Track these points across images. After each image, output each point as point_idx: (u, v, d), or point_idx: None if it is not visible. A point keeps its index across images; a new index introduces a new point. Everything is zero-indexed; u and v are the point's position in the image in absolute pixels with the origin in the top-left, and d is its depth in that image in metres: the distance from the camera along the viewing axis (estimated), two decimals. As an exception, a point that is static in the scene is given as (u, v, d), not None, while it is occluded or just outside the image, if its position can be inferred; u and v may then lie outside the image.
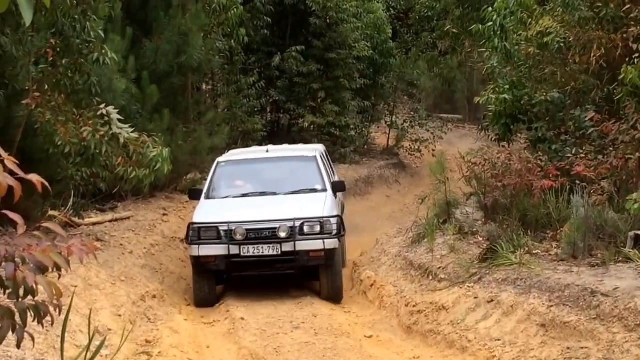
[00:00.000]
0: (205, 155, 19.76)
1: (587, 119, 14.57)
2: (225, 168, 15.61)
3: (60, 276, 4.80)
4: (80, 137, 12.82)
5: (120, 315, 12.16)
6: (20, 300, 4.50)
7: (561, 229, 12.93)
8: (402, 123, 30.23)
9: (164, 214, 17.36)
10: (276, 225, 13.62)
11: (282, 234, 13.56)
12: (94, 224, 15.71)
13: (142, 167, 13.14)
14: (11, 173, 4.06)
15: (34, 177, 4.16)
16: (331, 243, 13.75)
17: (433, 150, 27.86)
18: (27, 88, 12.88)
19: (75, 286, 12.25)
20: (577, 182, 13.50)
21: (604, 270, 10.74)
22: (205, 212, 14.20)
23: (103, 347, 10.40)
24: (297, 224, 13.63)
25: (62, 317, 5.59)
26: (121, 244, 14.83)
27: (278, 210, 14.04)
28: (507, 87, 16.86)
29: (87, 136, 12.73)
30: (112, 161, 13.31)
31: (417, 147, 29.19)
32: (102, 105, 13.01)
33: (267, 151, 16.47)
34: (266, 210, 14.12)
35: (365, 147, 28.74)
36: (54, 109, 12.90)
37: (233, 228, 13.51)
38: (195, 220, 13.88)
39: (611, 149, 13.74)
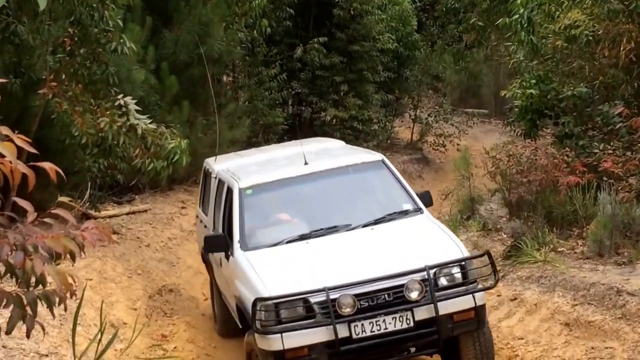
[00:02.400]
0: (226, 148, 19.47)
1: (615, 114, 14.34)
2: (255, 197, 10.35)
3: (74, 263, 4.73)
4: (97, 128, 12.66)
5: (135, 309, 12.06)
6: (30, 289, 4.49)
7: (587, 227, 12.77)
8: (426, 117, 29.94)
9: (182, 207, 17.18)
10: (400, 281, 8.68)
11: (413, 294, 8.64)
12: (110, 216, 15.55)
13: (160, 159, 12.94)
14: (26, 162, 4.05)
15: (48, 165, 4.22)
16: (481, 296, 9.04)
17: (458, 145, 27.58)
18: (44, 77, 12.73)
19: (90, 279, 12.14)
20: (605, 178, 13.32)
21: (631, 269, 10.66)
22: (272, 275, 9.06)
23: (118, 340, 10.31)
24: (431, 274, 8.77)
25: (76, 309, 5.45)
26: (138, 237, 14.68)
27: (386, 256, 9.22)
28: (534, 81, 16.59)
29: (105, 127, 12.55)
30: (129, 152, 13.12)
31: (441, 142, 28.91)
32: (120, 96, 12.81)
33: (306, 163, 10.67)
34: (366, 259, 9.20)
35: (389, 141, 28.48)
36: (71, 99, 12.74)
37: (335, 296, 8.51)
38: (264, 292, 8.68)
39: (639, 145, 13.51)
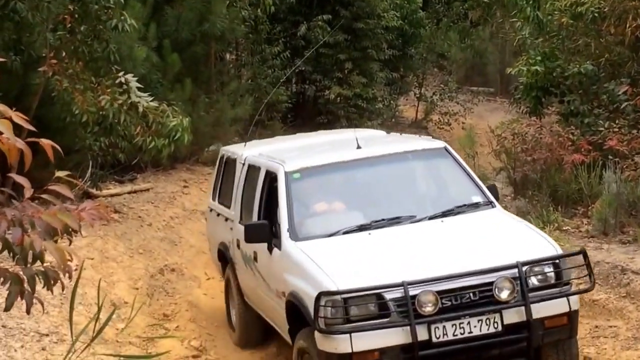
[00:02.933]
0: (228, 126, 19.43)
1: (621, 92, 14.22)
2: (304, 182, 9.31)
3: (71, 241, 4.67)
4: (98, 106, 12.60)
5: (137, 289, 12.02)
6: (28, 266, 4.46)
7: (592, 205, 12.74)
8: (431, 95, 29.81)
9: (185, 186, 17.08)
10: (489, 278, 7.65)
11: (504, 294, 7.62)
12: (112, 195, 15.47)
13: (161, 137, 12.85)
14: (26, 140, 3.99)
15: (45, 142, 4.16)
16: (576, 300, 8.03)
17: (463, 123, 27.48)
18: (44, 55, 12.65)
19: (92, 258, 12.10)
20: (610, 157, 13.25)
21: (635, 248, 10.62)
22: (338, 267, 7.98)
23: (119, 320, 10.26)
24: (524, 272, 7.74)
25: (77, 288, 5.39)
26: (140, 216, 14.60)
27: (468, 251, 8.20)
28: (539, 58, 16.49)
29: (105, 105, 12.48)
30: (130, 130, 13.04)
31: (446, 120, 28.77)
32: (121, 74, 12.72)
33: (359, 147, 9.60)
34: (446, 253, 8.21)
35: (393, 120, 28.31)
36: (71, 76, 12.67)
37: (415, 293, 7.47)
38: (330, 286, 7.59)
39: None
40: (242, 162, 10.70)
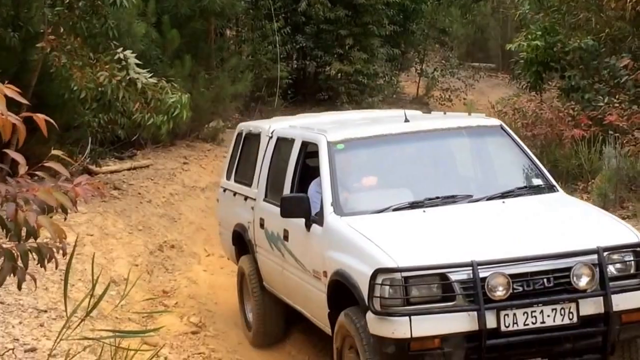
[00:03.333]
0: (228, 102, 19.37)
1: (621, 66, 14.17)
2: (348, 154, 8.63)
3: (66, 218, 4.73)
4: (96, 82, 12.51)
5: (136, 265, 12.02)
6: (22, 242, 4.44)
7: (592, 180, 12.71)
8: (432, 71, 29.73)
9: (185, 163, 17.04)
10: (566, 263, 6.96)
11: (582, 281, 6.92)
12: (112, 172, 15.45)
13: (160, 114, 12.77)
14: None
15: (39, 116, 4.14)
16: None
17: (464, 99, 27.42)
18: (42, 31, 12.61)
19: (91, 235, 12.08)
20: (610, 132, 13.21)
21: (635, 222, 10.62)
22: (396, 243, 7.29)
23: (118, 296, 10.25)
24: (604, 258, 7.01)
25: (78, 264, 5.39)
26: (139, 193, 14.59)
27: (541, 232, 7.50)
28: (540, 33, 16.44)
29: (104, 81, 12.39)
30: (129, 107, 12.97)
31: (447, 97, 28.72)
32: (120, 50, 12.63)
33: (407, 120, 8.98)
34: (516, 234, 7.50)
35: (394, 96, 28.24)
36: (69, 52, 12.59)
37: (484, 275, 6.78)
38: (388, 262, 6.92)
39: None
40: (269, 135, 10.03)
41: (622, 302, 6.94)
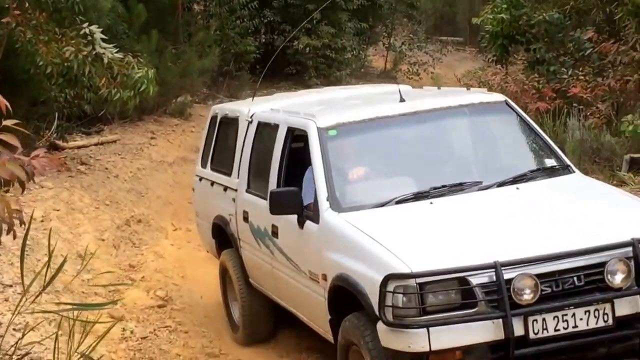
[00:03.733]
0: (196, 77, 19.34)
1: (586, 39, 14.26)
2: (342, 141, 7.79)
3: (23, 190, 4.67)
4: (62, 57, 12.46)
5: (103, 240, 12.01)
6: None
7: (556, 153, 12.75)
8: (400, 45, 29.79)
9: (152, 138, 17.02)
10: (599, 258, 6.23)
11: (617, 278, 6.20)
12: (79, 147, 15.42)
13: (127, 89, 12.77)
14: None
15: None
16: None
17: (432, 73, 27.51)
18: (7, 6, 12.48)
19: (58, 210, 12.06)
20: (574, 104, 13.29)
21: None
22: (407, 244, 6.52)
23: (85, 271, 10.27)
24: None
25: (24, 237, 5.40)
26: (106, 168, 14.58)
27: (565, 224, 6.73)
28: (505, 6, 16.44)
29: (70, 56, 12.36)
30: (95, 82, 12.95)
31: (415, 70, 28.81)
32: (86, 25, 12.59)
33: (402, 100, 8.04)
34: (538, 227, 6.68)
35: (362, 70, 28.30)
36: (35, 27, 12.51)
37: (509, 276, 6.06)
38: (400, 267, 6.16)
39: (610, 70, 13.48)
40: (249, 119, 9.19)
41: None
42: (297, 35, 24.37)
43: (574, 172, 7.73)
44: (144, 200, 14.16)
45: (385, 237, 6.57)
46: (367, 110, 8.01)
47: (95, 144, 15.75)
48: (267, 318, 9.41)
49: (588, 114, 12.88)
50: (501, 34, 16.41)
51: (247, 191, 8.93)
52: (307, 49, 24.48)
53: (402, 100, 8.00)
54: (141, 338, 9.53)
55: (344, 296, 6.74)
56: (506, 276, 6.00)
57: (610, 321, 6.14)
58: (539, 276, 6.06)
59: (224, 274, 9.86)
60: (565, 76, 13.95)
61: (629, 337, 6.27)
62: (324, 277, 7.09)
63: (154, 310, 10.32)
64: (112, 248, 11.87)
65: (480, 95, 8.41)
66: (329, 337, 7.35)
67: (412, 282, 6.02)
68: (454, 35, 35.25)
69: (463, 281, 6.04)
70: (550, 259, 6.14)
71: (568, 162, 7.84)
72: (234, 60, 22.47)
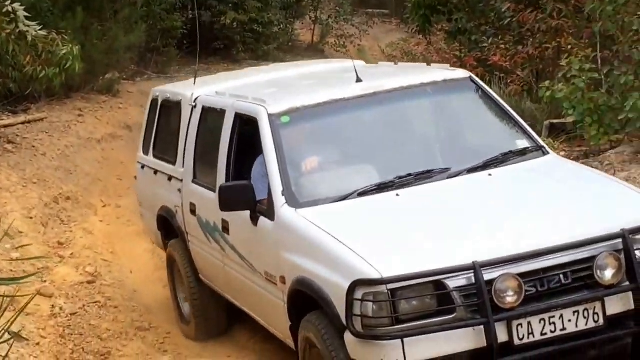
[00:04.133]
0: (123, 54, 19.24)
1: (505, 8, 14.49)
2: (295, 128, 7.18)
3: None
4: (-15, 36, 12.38)
5: (31, 218, 12.00)
6: None
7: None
8: (326, 18, 29.86)
9: (80, 115, 16.90)
10: (587, 253, 5.74)
11: (608, 274, 5.71)
12: (5, 126, 15.27)
13: (52, 66, 12.73)
14: None
15: None
16: None
17: (358, 45, 27.67)
18: None
19: (-17, 190, 12.04)
20: (496, 72, 13.52)
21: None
22: (373, 246, 5.93)
23: (13, 249, 10.30)
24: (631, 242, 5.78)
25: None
26: (33, 146, 14.50)
27: (545, 215, 6.21)
28: (427, -23, 16.64)
29: (-8, 35, 12.29)
30: (20, 60, 12.89)
31: (342, 43, 28.91)
32: (8, 2, 12.50)
33: (359, 80, 7.44)
34: (516, 220, 6.18)
35: (290, 44, 28.33)
36: (-45, 6, 12.41)
37: (490, 277, 5.56)
38: (370, 272, 5.61)
39: (529, 38, 13.75)
40: (192, 104, 8.61)
41: None
42: (224, 10, 24.43)
43: (548, 153, 7.20)
44: (73, 178, 14.13)
45: (350, 237, 6.01)
46: (323, 93, 7.38)
47: (22, 123, 15.61)
48: (219, 313, 8.91)
49: (509, 81, 13.13)
50: (423, 5, 16.58)
51: (193, 182, 8.42)
52: (235, 23, 24.48)
53: (359, 80, 7.44)
54: (70, 314, 9.59)
55: (306, 301, 6.19)
56: (486, 277, 5.48)
57: (601, 321, 5.65)
58: (522, 275, 5.55)
59: (171, 266, 9.40)
60: (486, 45, 14.18)
61: (621, 337, 5.80)
62: (283, 280, 6.55)
63: (83, 287, 10.36)
64: (40, 226, 11.87)
65: (443, 72, 7.77)
66: (289, 342, 6.83)
67: (383, 288, 5.48)
68: (380, 7, 35.33)
69: (439, 285, 5.52)
70: (534, 256, 5.63)
71: (541, 142, 7.32)
72: (161, 37, 22.39)
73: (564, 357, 5.72)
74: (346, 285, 5.58)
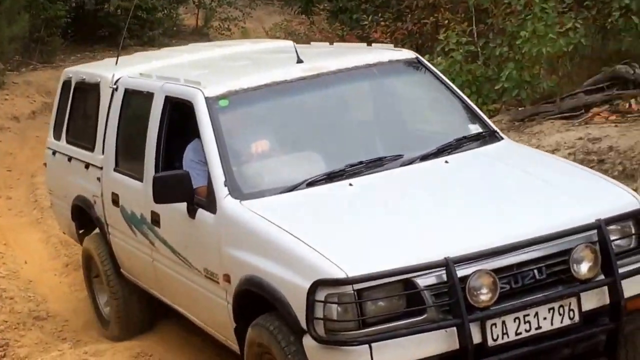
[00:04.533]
0: (6, 44, 19.12)
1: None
2: (235, 113, 6.62)
3: None
4: None
5: None
6: None
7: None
8: (210, 2, 29.92)
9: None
10: (561, 245, 5.33)
11: (583, 268, 5.31)
12: None
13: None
14: None
15: None
16: None
17: (242, 28, 27.81)
18: None
19: None
20: (377, 49, 13.85)
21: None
22: (333, 242, 5.39)
23: None
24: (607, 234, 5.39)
25: None
26: None
27: (515, 205, 5.76)
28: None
29: None
30: None
31: (226, 26, 29.00)
32: None
33: (300, 61, 6.90)
34: (484, 211, 5.70)
35: (175, 28, 28.35)
36: None
37: (465, 274, 5.11)
38: (333, 271, 5.07)
39: (408, 14, 14.14)
40: (113, 86, 7.97)
41: (628, 287, 5.38)
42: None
43: (502, 138, 6.76)
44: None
45: (306, 232, 5.47)
46: (263, 75, 6.80)
47: None
48: (143, 311, 8.37)
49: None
50: (305, -15, 16.91)
51: (115, 170, 7.83)
52: (119, 10, 24.46)
53: (300, 61, 6.91)
54: (-36, 310, 9.34)
55: (256, 302, 5.67)
56: (459, 274, 5.03)
57: (577, 318, 5.26)
58: (496, 272, 5.12)
59: (88, 261, 8.75)
60: (367, 23, 14.54)
61: (596, 334, 5.42)
62: (227, 279, 5.99)
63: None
64: None
65: (388, 53, 7.24)
66: (233, 346, 6.30)
67: (348, 289, 4.97)
68: (263, -11, 35.50)
69: (408, 284, 5.04)
70: (510, 250, 5.20)
71: (494, 127, 6.89)
72: (45, 26, 22.26)
73: (538, 357, 5.30)
74: (306, 285, 5.04)
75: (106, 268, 8.27)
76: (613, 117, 10.33)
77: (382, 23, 14.39)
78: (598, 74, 11.21)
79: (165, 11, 27.43)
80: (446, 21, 12.18)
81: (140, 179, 7.16)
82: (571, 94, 11.09)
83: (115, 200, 7.74)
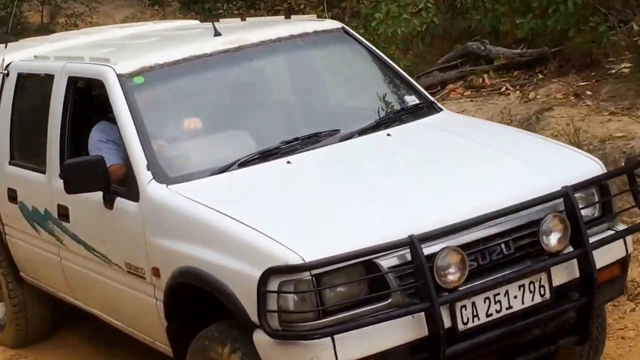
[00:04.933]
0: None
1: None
2: (151, 91, 6.06)
3: None
4: None
5: None
6: None
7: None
8: (54, -1, 29.47)
9: None
10: (529, 216, 4.90)
11: (553, 239, 4.89)
12: None
13: None
14: None
15: None
16: (630, 241, 5.44)
17: (90, 23, 27.47)
18: None
19: None
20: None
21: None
22: (283, 225, 4.79)
23: None
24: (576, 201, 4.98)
25: None
26: None
27: (472, 176, 5.30)
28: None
29: None
30: None
31: (73, 22, 28.60)
32: None
33: (217, 34, 6.39)
34: (439, 184, 5.22)
35: (19, 27, 27.85)
36: None
37: (431, 252, 4.57)
38: (287, 257, 4.49)
39: (261, 2, 14.31)
40: (3, 72, 7.33)
41: (597, 259, 4.99)
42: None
43: (441, 109, 6.38)
44: None
45: (250, 214, 4.92)
46: (180, 49, 6.25)
47: None
48: (44, 315, 7.86)
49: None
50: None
51: (11, 163, 7.20)
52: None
53: (217, 34, 6.41)
54: None
55: (192, 296, 5.17)
56: (427, 251, 4.55)
57: (548, 295, 4.87)
58: (463, 248, 4.67)
59: None
60: (221, 12, 14.62)
61: (566, 311, 5.02)
62: (156, 272, 5.42)
63: None
64: None
65: (311, 23, 6.79)
66: (160, 346, 5.78)
67: (306, 275, 4.44)
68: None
69: (370, 265, 4.54)
70: (476, 224, 4.75)
71: (431, 98, 6.53)
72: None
73: (508, 339, 4.88)
74: (256, 274, 4.47)
75: (4, 273, 7.74)
76: (468, 93, 10.71)
77: (236, 12, 14.50)
78: (451, 52, 11.55)
79: (9, 9, 26.89)
80: (300, 6, 12.35)
81: (43, 171, 6.61)
82: (427, 72, 11.40)
83: (13, 197, 7.14)
